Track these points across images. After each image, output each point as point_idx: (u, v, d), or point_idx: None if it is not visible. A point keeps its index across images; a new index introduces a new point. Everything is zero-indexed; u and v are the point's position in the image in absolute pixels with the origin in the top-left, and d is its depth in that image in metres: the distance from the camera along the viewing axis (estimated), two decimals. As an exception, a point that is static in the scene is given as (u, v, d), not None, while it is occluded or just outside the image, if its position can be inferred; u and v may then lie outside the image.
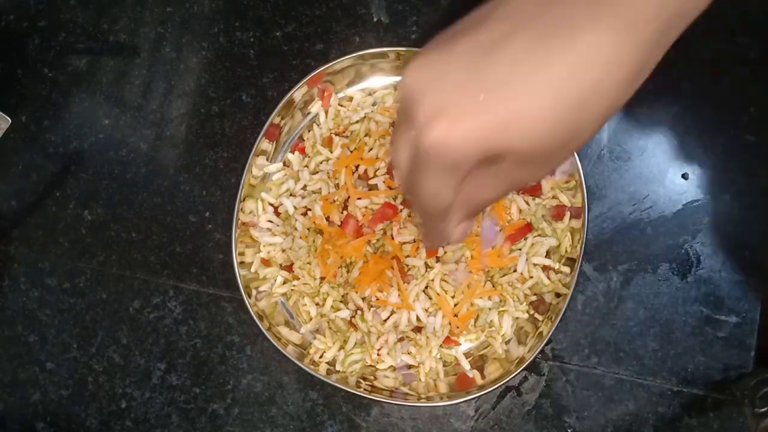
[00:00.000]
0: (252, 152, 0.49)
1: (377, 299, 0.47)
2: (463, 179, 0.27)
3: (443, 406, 0.48)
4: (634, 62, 0.25)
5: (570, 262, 0.48)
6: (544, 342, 0.45)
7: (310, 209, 0.49)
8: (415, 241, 0.47)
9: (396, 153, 0.28)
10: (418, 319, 0.47)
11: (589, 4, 0.24)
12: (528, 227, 0.48)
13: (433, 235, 0.32)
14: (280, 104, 0.49)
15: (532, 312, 0.48)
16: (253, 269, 0.49)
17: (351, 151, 0.50)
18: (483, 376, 0.47)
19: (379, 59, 0.50)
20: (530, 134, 0.24)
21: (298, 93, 0.49)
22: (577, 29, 0.24)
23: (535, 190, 0.49)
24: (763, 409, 0.46)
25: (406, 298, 0.47)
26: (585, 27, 0.24)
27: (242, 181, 0.48)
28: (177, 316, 0.51)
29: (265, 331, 0.46)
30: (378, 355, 0.48)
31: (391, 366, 0.48)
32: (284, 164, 0.51)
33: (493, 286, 0.48)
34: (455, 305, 0.47)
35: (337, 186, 0.49)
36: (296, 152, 0.51)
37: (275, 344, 0.46)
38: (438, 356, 0.48)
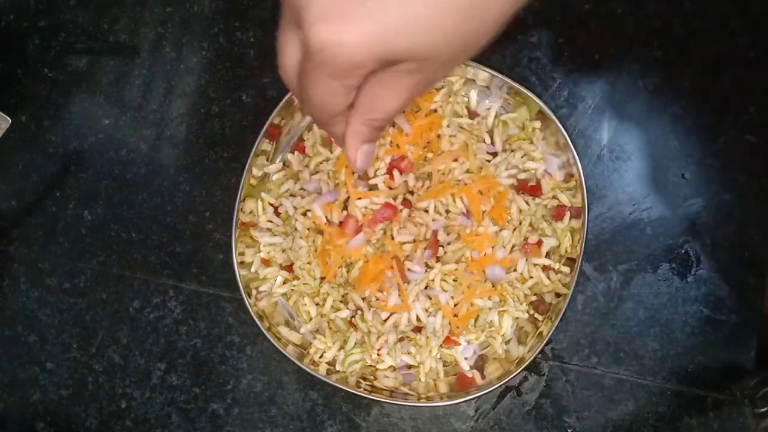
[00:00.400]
0: (252, 152, 0.49)
1: (377, 299, 0.47)
2: (356, 87, 0.26)
3: (443, 406, 0.48)
4: None
5: (570, 262, 0.48)
6: (544, 342, 0.45)
7: (310, 209, 0.49)
8: (414, 241, 0.47)
9: (282, 52, 0.28)
10: (418, 319, 0.47)
11: None
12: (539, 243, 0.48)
13: (339, 143, 0.31)
14: (280, 104, 0.49)
15: (532, 312, 0.48)
16: (253, 269, 0.49)
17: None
18: (483, 376, 0.47)
19: (379, 59, 0.50)
20: (421, 36, 0.24)
21: (298, 93, 0.49)
22: None
23: (535, 190, 0.49)
24: (763, 409, 0.46)
25: (405, 299, 0.47)
26: None
27: (242, 181, 0.48)
28: (177, 316, 0.51)
29: (265, 331, 0.46)
30: (378, 355, 0.48)
31: (391, 366, 0.48)
32: (284, 164, 0.51)
33: (493, 286, 0.48)
34: (455, 305, 0.47)
35: (337, 186, 0.49)
36: (296, 152, 0.51)
37: (275, 344, 0.46)
38: (438, 356, 0.48)
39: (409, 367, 0.48)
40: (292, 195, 0.50)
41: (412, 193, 0.48)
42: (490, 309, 0.48)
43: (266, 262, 0.50)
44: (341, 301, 0.49)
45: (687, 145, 0.51)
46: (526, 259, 0.48)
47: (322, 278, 0.49)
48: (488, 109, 0.50)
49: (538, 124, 0.49)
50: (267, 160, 0.50)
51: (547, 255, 0.48)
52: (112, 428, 0.51)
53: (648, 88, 0.51)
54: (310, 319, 0.49)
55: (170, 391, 0.51)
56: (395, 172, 0.48)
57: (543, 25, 0.52)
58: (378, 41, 0.24)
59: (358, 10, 0.24)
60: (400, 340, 0.48)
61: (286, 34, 0.27)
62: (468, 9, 0.24)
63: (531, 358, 0.45)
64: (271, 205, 0.50)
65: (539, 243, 0.48)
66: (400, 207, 0.47)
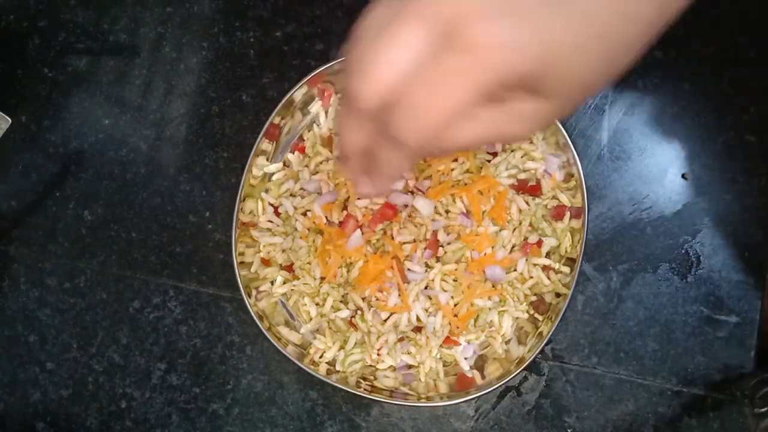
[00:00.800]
0: (252, 152, 0.49)
1: (377, 299, 0.47)
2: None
3: (443, 406, 0.48)
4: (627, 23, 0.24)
5: (570, 262, 0.48)
6: (544, 342, 0.45)
7: (309, 210, 0.49)
8: (414, 241, 0.47)
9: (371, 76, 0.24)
10: (418, 319, 0.47)
11: None
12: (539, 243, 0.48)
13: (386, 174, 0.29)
14: (280, 104, 0.49)
15: (532, 312, 0.48)
16: (253, 269, 0.49)
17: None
18: (483, 376, 0.47)
19: (379, 59, 0.50)
20: (576, 58, 0.24)
21: (298, 93, 0.49)
22: None
23: (534, 190, 0.49)
24: (763, 409, 0.46)
25: (405, 299, 0.47)
26: None
27: (242, 181, 0.48)
28: (177, 316, 0.51)
29: (265, 331, 0.46)
30: (378, 355, 0.48)
31: (391, 366, 0.48)
32: (284, 164, 0.51)
33: (493, 286, 0.48)
34: (455, 305, 0.47)
35: (337, 186, 0.49)
36: (296, 152, 0.51)
37: (275, 344, 0.46)
38: (438, 356, 0.48)
39: (409, 367, 0.48)
40: (292, 195, 0.50)
41: (412, 192, 0.48)
42: (490, 309, 0.48)
43: (266, 262, 0.50)
44: (341, 301, 0.49)
45: (687, 145, 0.51)
46: (526, 259, 0.48)
47: (322, 278, 0.49)
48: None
49: (538, 124, 0.49)
50: (267, 160, 0.50)
51: (547, 255, 0.48)
52: (112, 428, 0.51)
53: (648, 88, 0.51)
54: (310, 319, 0.49)
55: (170, 391, 0.51)
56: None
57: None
58: (538, 51, 0.23)
59: (520, 16, 0.23)
60: (400, 340, 0.48)
61: (411, 27, 0.24)
62: (605, 37, 0.24)
63: (531, 358, 0.45)
64: (271, 205, 0.50)
65: (539, 243, 0.48)
66: (400, 208, 0.47)
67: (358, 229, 0.47)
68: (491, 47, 0.23)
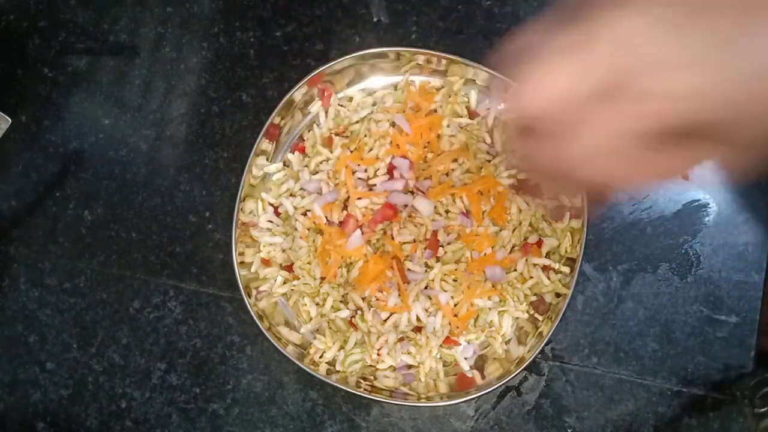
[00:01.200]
0: (252, 152, 0.49)
1: (377, 299, 0.47)
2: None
3: (443, 406, 0.48)
4: None
5: (570, 262, 0.48)
6: (544, 342, 0.45)
7: (310, 210, 0.49)
8: (414, 241, 0.47)
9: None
10: (418, 319, 0.47)
11: None
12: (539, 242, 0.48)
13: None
14: (280, 104, 0.49)
15: (532, 312, 0.48)
16: (253, 269, 0.49)
17: (351, 151, 0.50)
18: (483, 376, 0.47)
19: (379, 59, 0.50)
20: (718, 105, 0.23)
21: (298, 93, 0.49)
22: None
23: (535, 190, 0.49)
24: (763, 409, 0.46)
25: (405, 299, 0.47)
26: None
27: (242, 181, 0.48)
28: (177, 316, 0.51)
29: (265, 331, 0.46)
30: (378, 355, 0.48)
31: (391, 366, 0.48)
32: (284, 164, 0.51)
33: (493, 286, 0.48)
34: (455, 305, 0.47)
35: (337, 186, 0.49)
36: (296, 152, 0.51)
37: (275, 344, 0.46)
38: (438, 356, 0.48)
39: (409, 367, 0.48)
40: (292, 195, 0.50)
41: (412, 192, 0.48)
42: (490, 309, 0.48)
43: (266, 262, 0.50)
44: (341, 301, 0.49)
45: (687, 145, 0.51)
46: (526, 259, 0.48)
47: (322, 278, 0.49)
48: (488, 109, 0.50)
49: (538, 124, 0.49)
50: (267, 160, 0.50)
51: (547, 255, 0.48)
52: (112, 428, 0.51)
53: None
54: (310, 319, 0.49)
55: (170, 391, 0.51)
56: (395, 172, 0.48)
57: (543, 25, 0.52)
58: (734, 95, 0.23)
59: (692, 63, 0.23)
60: (400, 340, 0.48)
61: (585, 57, 0.25)
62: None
63: (531, 358, 0.45)
64: (271, 205, 0.50)
65: (539, 243, 0.48)
66: (400, 208, 0.47)
67: (358, 229, 0.47)
68: (660, 97, 0.23)
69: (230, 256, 0.48)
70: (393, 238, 0.47)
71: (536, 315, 0.48)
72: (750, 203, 0.50)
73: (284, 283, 0.49)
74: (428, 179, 0.48)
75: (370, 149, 0.49)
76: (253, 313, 0.47)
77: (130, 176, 0.53)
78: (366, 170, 0.49)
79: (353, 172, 0.49)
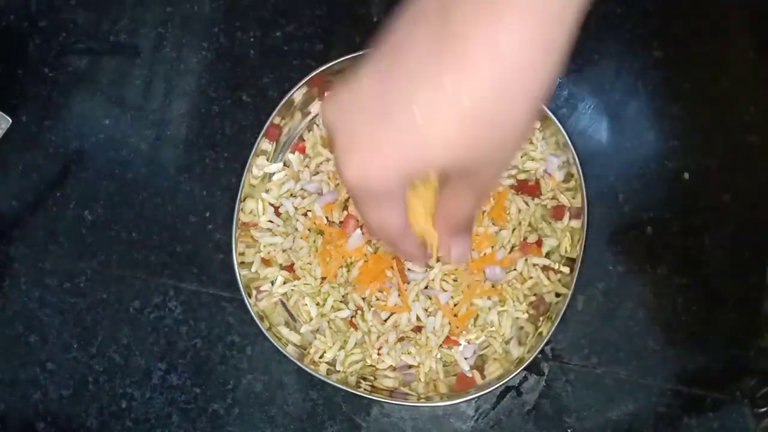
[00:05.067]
0: (252, 152, 0.49)
1: (377, 299, 0.47)
2: (402, 205, 0.28)
3: (443, 406, 0.48)
4: (539, 55, 0.23)
5: (570, 262, 0.48)
6: (544, 342, 0.45)
7: (310, 210, 0.49)
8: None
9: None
10: (418, 319, 0.47)
11: (483, 6, 0.23)
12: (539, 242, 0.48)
13: (413, 256, 0.33)
14: (281, 104, 0.49)
15: (532, 312, 0.48)
16: (253, 269, 0.49)
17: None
18: (483, 376, 0.47)
19: (379, 59, 0.50)
20: (444, 151, 0.24)
21: (298, 93, 0.49)
22: (471, 24, 0.23)
23: (534, 190, 0.49)
24: (763, 409, 0.46)
25: (405, 299, 0.47)
26: (479, 21, 0.22)
27: (242, 181, 0.48)
28: (177, 316, 0.51)
29: (265, 331, 0.46)
30: (378, 354, 0.48)
31: (391, 366, 0.48)
32: (284, 164, 0.51)
33: (493, 286, 0.48)
34: (455, 305, 0.47)
35: (337, 186, 0.49)
36: (297, 152, 0.51)
37: (275, 344, 0.46)
38: (438, 356, 0.48)
39: (409, 367, 0.48)
40: (292, 195, 0.50)
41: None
42: (489, 309, 0.48)
43: (267, 262, 0.50)
44: (341, 301, 0.49)
45: (687, 145, 0.51)
46: (526, 259, 0.48)
47: (323, 278, 0.49)
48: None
49: (537, 124, 0.49)
50: (267, 160, 0.51)
51: (547, 255, 0.48)
52: (113, 428, 0.51)
53: (648, 88, 0.51)
54: (311, 319, 0.49)
55: (171, 391, 0.51)
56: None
57: (543, 25, 0.52)
58: (401, 164, 0.25)
59: (378, 140, 0.25)
60: (400, 340, 0.48)
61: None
62: (485, 115, 0.24)
63: (531, 358, 0.45)
64: (272, 205, 0.50)
65: (539, 243, 0.48)
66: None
67: (358, 229, 0.47)
68: (359, 182, 0.26)
69: (230, 256, 0.48)
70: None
71: (536, 315, 0.48)
72: (750, 203, 0.50)
73: (284, 283, 0.49)
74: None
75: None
76: (253, 313, 0.47)
77: (130, 176, 0.53)
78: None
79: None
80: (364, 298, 0.48)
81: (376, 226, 0.29)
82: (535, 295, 0.48)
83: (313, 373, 0.46)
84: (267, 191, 0.50)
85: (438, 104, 0.23)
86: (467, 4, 0.23)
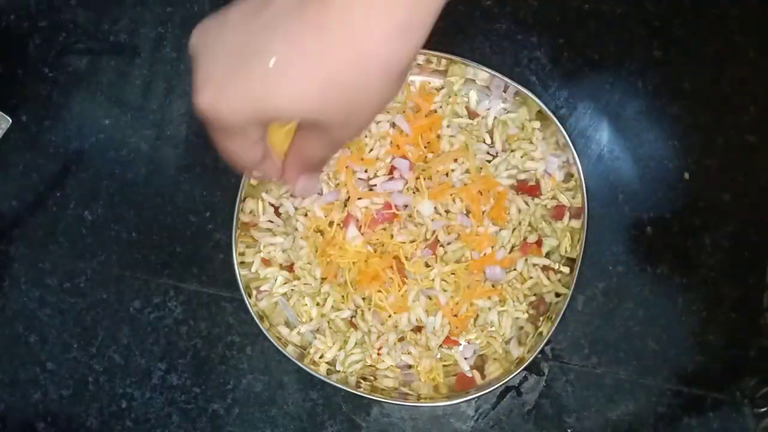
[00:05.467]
0: (252, 152, 0.49)
1: (377, 299, 0.47)
2: (258, 142, 0.28)
3: (443, 406, 0.48)
4: (395, 35, 0.24)
5: (570, 262, 0.48)
6: (544, 342, 0.45)
7: (310, 210, 0.49)
8: (414, 241, 0.47)
9: None
10: (418, 319, 0.47)
11: None
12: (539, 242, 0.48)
13: (275, 179, 0.33)
14: (281, 104, 0.49)
15: (532, 312, 0.48)
16: (253, 269, 0.49)
17: (351, 152, 0.50)
18: (483, 376, 0.47)
19: (379, 59, 0.50)
20: (294, 104, 0.25)
21: (298, 93, 0.49)
22: (332, 6, 0.23)
23: (534, 190, 0.49)
24: (763, 409, 0.46)
25: (405, 299, 0.47)
26: (341, 4, 0.23)
27: (242, 181, 0.48)
28: (177, 316, 0.51)
29: (265, 331, 0.46)
30: (378, 355, 0.48)
31: (391, 366, 0.48)
32: (284, 164, 0.51)
33: (493, 286, 0.48)
34: (455, 305, 0.47)
35: (337, 186, 0.49)
36: (296, 152, 0.51)
37: (275, 344, 0.46)
38: (438, 356, 0.48)
39: (409, 367, 0.48)
40: (292, 195, 0.50)
41: (417, 190, 0.48)
42: (489, 309, 0.48)
43: (267, 262, 0.50)
44: (341, 302, 0.49)
45: (687, 145, 0.51)
46: (526, 259, 0.48)
47: (323, 278, 0.49)
48: (488, 109, 0.50)
49: (537, 124, 0.49)
50: (267, 160, 0.50)
51: (547, 255, 0.48)
52: (113, 428, 0.51)
53: (648, 88, 0.51)
54: (311, 319, 0.49)
55: (171, 391, 0.51)
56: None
57: (543, 25, 0.52)
58: (248, 107, 0.25)
59: (230, 78, 0.25)
60: (400, 340, 0.48)
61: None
62: (338, 86, 0.24)
63: (531, 358, 0.45)
64: (272, 205, 0.50)
65: (539, 243, 0.48)
66: (403, 205, 0.47)
67: (352, 224, 0.47)
68: (207, 113, 0.27)
69: (231, 256, 0.48)
70: (393, 238, 0.47)
71: (536, 315, 0.48)
72: (750, 203, 0.50)
73: (285, 283, 0.49)
74: (428, 179, 0.48)
75: (371, 150, 0.49)
76: (253, 313, 0.47)
77: (130, 176, 0.53)
78: (366, 171, 0.49)
79: (354, 173, 0.49)
80: (364, 298, 0.48)
81: (226, 154, 0.30)
82: (535, 295, 0.48)
83: (313, 373, 0.46)
84: (267, 191, 0.50)
85: (293, 61, 0.24)
86: None
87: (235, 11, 0.26)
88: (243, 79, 0.25)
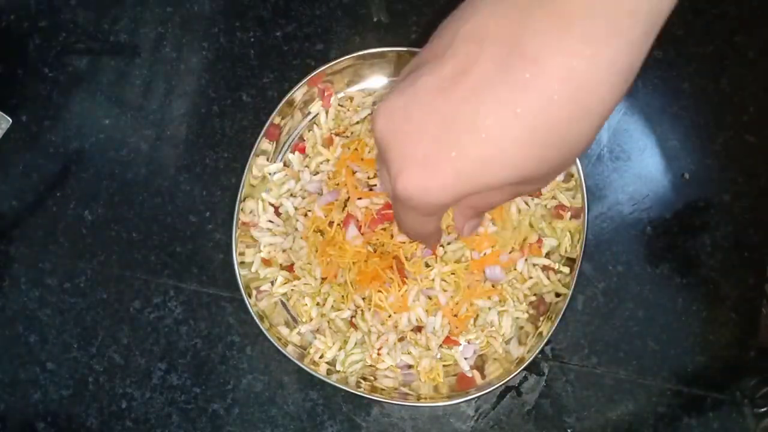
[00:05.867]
0: (252, 152, 0.49)
1: (377, 299, 0.47)
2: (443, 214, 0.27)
3: (443, 406, 0.48)
4: (610, 72, 0.23)
5: (570, 262, 0.48)
6: (544, 342, 0.45)
7: (310, 210, 0.49)
8: (414, 241, 0.47)
9: (382, 181, 0.29)
10: (418, 319, 0.47)
11: (557, 14, 0.22)
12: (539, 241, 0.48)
13: (427, 242, 0.33)
14: (281, 104, 0.49)
15: (532, 312, 0.48)
16: (253, 269, 0.49)
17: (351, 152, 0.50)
18: (483, 376, 0.47)
19: (379, 59, 0.50)
20: (508, 170, 0.24)
21: (298, 93, 0.49)
22: (545, 47, 0.22)
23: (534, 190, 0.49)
24: (763, 409, 0.46)
25: (405, 299, 0.47)
26: (553, 44, 0.22)
27: (242, 181, 0.48)
28: (177, 316, 0.51)
29: (265, 331, 0.46)
30: (378, 355, 0.48)
31: (391, 366, 0.48)
32: (284, 164, 0.51)
33: (493, 286, 0.48)
34: (455, 305, 0.47)
35: (337, 186, 0.49)
36: (296, 152, 0.51)
37: (275, 344, 0.46)
38: (438, 356, 0.48)
39: (409, 367, 0.48)
40: (292, 195, 0.50)
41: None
42: (489, 309, 0.48)
43: (267, 262, 0.50)
44: (341, 302, 0.49)
45: (687, 145, 0.51)
46: (526, 259, 0.48)
47: (323, 278, 0.49)
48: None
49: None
50: (267, 160, 0.51)
51: (547, 255, 0.48)
52: (113, 428, 0.51)
53: (648, 88, 0.51)
54: (311, 319, 0.49)
55: (171, 391, 0.51)
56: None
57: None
58: (461, 184, 0.24)
59: (438, 158, 0.24)
60: (400, 340, 0.48)
61: (379, 162, 0.28)
62: (553, 129, 0.23)
63: (531, 358, 0.45)
64: (272, 205, 0.50)
65: (539, 243, 0.48)
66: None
67: (351, 224, 0.47)
68: (414, 197, 0.25)
69: (231, 256, 0.48)
70: (393, 238, 0.47)
71: (536, 315, 0.48)
72: (750, 203, 0.50)
73: (285, 283, 0.49)
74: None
75: (371, 150, 0.49)
76: (253, 313, 0.47)
77: (130, 176, 0.53)
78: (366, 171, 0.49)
79: (353, 173, 0.49)
80: (364, 298, 0.48)
81: (412, 231, 0.29)
82: (535, 295, 0.48)
83: (313, 373, 0.46)
84: (267, 191, 0.50)
85: (506, 125, 0.23)
86: (539, 22, 0.22)
87: (423, 88, 0.24)
88: (451, 157, 0.24)
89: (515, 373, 0.45)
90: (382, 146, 0.26)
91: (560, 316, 0.46)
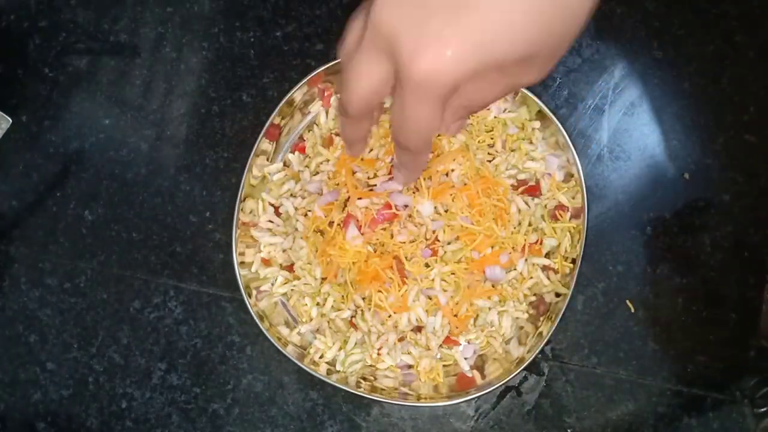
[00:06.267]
0: (252, 152, 0.49)
1: (377, 299, 0.47)
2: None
3: (443, 406, 0.48)
4: None
5: (570, 262, 0.48)
6: (544, 342, 0.45)
7: (310, 210, 0.49)
8: (414, 241, 0.47)
9: (362, 77, 0.28)
10: (418, 319, 0.47)
11: None
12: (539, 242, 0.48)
13: (411, 167, 0.33)
14: (281, 104, 0.49)
15: (532, 312, 0.48)
16: (253, 269, 0.49)
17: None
18: (483, 376, 0.47)
19: (379, 59, 0.50)
20: (518, 44, 0.25)
21: (298, 93, 0.49)
22: None
23: (534, 190, 0.49)
24: (763, 409, 0.46)
25: (405, 299, 0.47)
26: None
27: (242, 181, 0.48)
28: (177, 316, 0.51)
29: (265, 331, 0.47)
30: (378, 354, 0.48)
31: (391, 366, 0.48)
32: (284, 164, 0.51)
33: (493, 286, 0.48)
34: (455, 305, 0.47)
35: (337, 186, 0.49)
36: (296, 152, 0.51)
37: (275, 344, 0.46)
38: (438, 356, 0.48)
39: (409, 367, 0.48)
40: (292, 195, 0.50)
41: (417, 189, 0.48)
42: (489, 309, 0.48)
43: (267, 262, 0.50)
44: (341, 302, 0.49)
45: (687, 145, 0.51)
46: (526, 259, 0.48)
47: (323, 278, 0.49)
48: (488, 109, 0.50)
49: (537, 124, 0.49)
50: (267, 160, 0.51)
51: (547, 255, 0.48)
52: (113, 428, 0.51)
53: (648, 88, 0.51)
54: (311, 319, 0.49)
55: (171, 391, 0.51)
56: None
57: (543, 25, 0.52)
58: (477, 55, 0.25)
59: (452, 31, 0.24)
60: (400, 340, 0.48)
61: (370, 59, 0.28)
62: (555, 11, 0.24)
63: (531, 358, 0.45)
64: (272, 205, 0.50)
65: (539, 243, 0.48)
66: (403, 205, 0.47)
67: (351, 224, 0.47)
68: (432, 76, 0.25)
69: (231, 256, 0.48)
70: (393, 238, 0.47)
71: (536, 315, 0.48)
72: (750, 203, 0.50)
73: (285, 283, 0.49)
74: (428, 179, 0.48)
75: (371, 150, 0.49)
76: (253, 313, 0.47)
77: (130, 176, 0.53)
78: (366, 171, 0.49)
79: (353, 173, 0.49)
80: (364, 298, 0.48)
81: (419, 126, 0.28)
82: (535, 295, 0.48)
83: (313, 373, 0.46)
84: (267, 191, 0.50)
85: None
86: None
87: None
88: (460, 30, 0.24)
89: (515, 373, 0.45)
90: (388, 34, 0.26)
91: (560, 316, 0.46)
